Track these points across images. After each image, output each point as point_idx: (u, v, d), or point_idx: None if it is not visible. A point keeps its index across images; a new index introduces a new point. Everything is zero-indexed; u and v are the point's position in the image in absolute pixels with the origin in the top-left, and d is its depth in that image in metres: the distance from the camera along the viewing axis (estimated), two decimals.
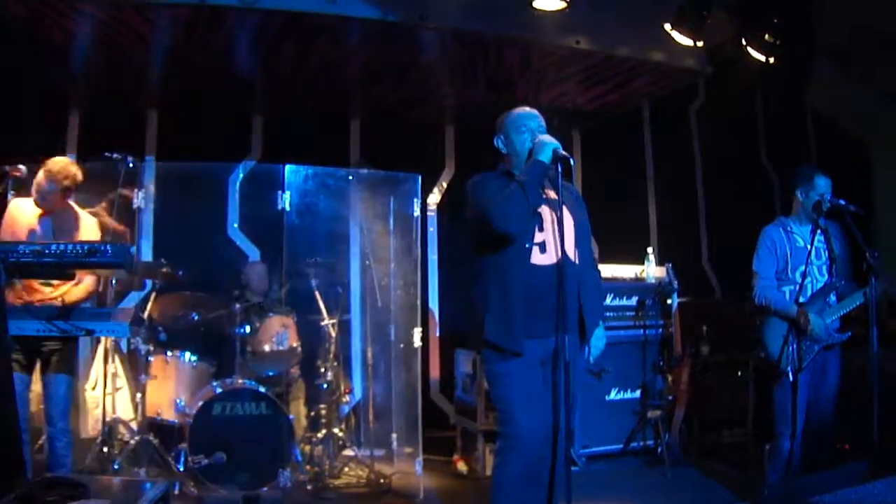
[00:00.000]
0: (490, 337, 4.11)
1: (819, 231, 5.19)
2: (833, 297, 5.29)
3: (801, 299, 5.16)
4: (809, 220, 5.29)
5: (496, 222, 4.01)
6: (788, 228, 5.42)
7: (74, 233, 5.26)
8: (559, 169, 4.05)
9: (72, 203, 5.44)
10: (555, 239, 4.13)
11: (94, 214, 5.62)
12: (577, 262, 4.21)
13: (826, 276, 5.30)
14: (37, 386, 5.23)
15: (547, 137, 4.15)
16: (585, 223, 4.40)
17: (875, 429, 4.82)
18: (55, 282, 5.15)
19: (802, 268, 5.20)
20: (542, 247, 4.16)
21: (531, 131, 4.25)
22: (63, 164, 5.21)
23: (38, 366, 5.11)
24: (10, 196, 5.28)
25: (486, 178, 4.31)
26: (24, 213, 5.25)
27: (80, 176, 5.25)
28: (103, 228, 5.65)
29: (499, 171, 4.36)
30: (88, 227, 5.39)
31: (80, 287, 5.31)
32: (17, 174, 4.97)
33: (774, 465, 5.34)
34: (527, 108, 4.37)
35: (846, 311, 5.22)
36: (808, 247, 5.14)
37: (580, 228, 4.31)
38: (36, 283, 5.15)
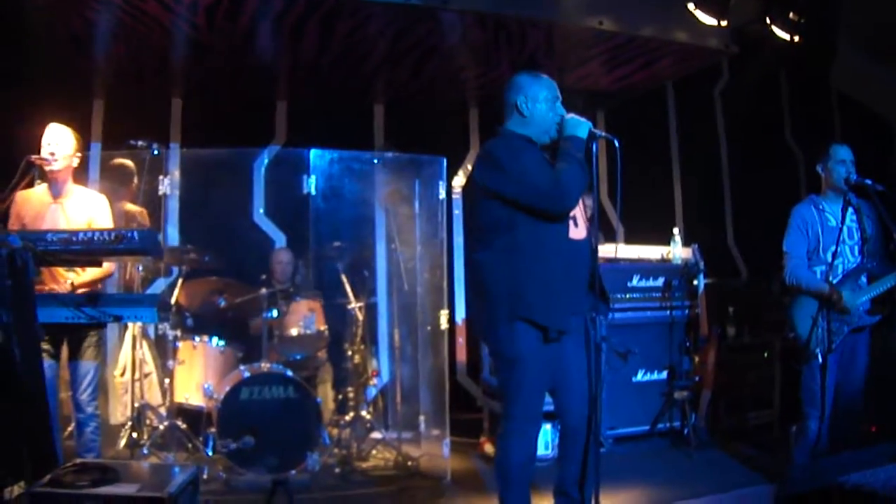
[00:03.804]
0: (531, 314, 3.89)
1: (851, 209, 5.14)
2: (864, 279, 5.24)
3: (832, 279, 5.11)
4: (839, 196, 5.22)
5: (561, 201, 3.87)
6: (820, 207, 5.34)
7: (87, 216, 5.20)
8: (594, 147, 4.02)
9: (81, 185, 5.41)
10: (582, 213, 4.12)
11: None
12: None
13: (858, 257, 5.25)
14: (64, 373, 5.24)
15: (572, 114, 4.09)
16: None
17: None
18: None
19: (834, 248, 5.15)
20: (575, 221, 4.09)
21: (556, 101, 4.15)
22: (58, 126, 5.15)
23: (64, 352, 5.11)
24: (36, 185, 5.30)
25: (517, 148, 4.04)
26: (31, 202, 5.18)
27: (76, 141, 5.20)
28: (127, 215, 5.65)
29: (518, 137, 4.11)
30: (100, 208, 5.30)
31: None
32: (43, 163, 5.02)
33: (801, 447, 5.30)
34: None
35: (877, 292, 5.16)
36: (840, 225, 5.10)
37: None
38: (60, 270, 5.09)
